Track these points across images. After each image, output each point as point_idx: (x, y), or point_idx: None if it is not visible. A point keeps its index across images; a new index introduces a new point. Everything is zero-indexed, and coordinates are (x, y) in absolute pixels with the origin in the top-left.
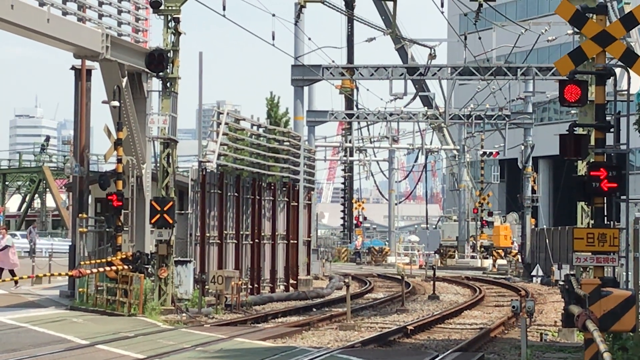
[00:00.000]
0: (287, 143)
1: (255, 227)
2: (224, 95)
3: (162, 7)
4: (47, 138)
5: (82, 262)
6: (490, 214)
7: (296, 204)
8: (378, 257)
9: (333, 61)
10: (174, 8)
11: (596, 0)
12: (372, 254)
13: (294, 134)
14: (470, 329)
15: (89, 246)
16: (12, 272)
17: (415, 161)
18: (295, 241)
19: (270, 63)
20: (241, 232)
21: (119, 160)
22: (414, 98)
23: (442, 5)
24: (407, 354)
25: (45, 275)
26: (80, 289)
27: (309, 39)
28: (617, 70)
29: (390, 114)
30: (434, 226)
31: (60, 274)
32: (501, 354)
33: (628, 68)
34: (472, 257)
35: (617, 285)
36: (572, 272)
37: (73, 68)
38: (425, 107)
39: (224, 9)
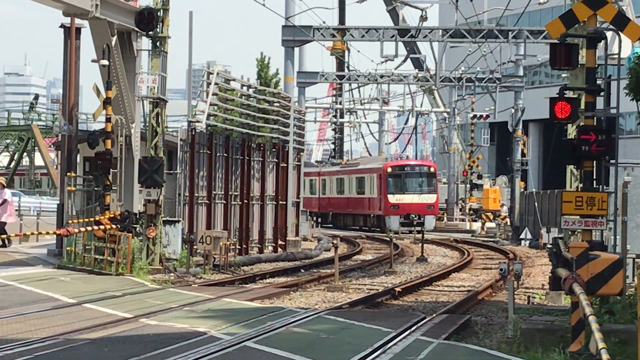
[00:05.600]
0: (277, 104)
1: (244, 187)
2: (214, 55)
3: None
4: (36, 96)
5: (70, 221)
6: (479, 177)
7: (285, 164)
8: None
9: (324, 22)
10: None
11: None
12: None
13: (284, 95)
14: (458, 292)
15: (77, 205)
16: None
17: (406, 123)
18: (284, 202)
19: (261, 23)
20: (230, 193)
21: (108, 120)
22: (404, 60)
23: None
24: (394, 315)
25: (33, 234)
26: (68, 248)
27: None
28: (609, 34)
29: (381, 76)
30: None
31: (48, 233)
32: (488, 317)
33: (619, 32)
34: (461, 219)
35: (605, 249)
36: (560, 236)
37: (62, 26)
38: (416, 70)
39: None
